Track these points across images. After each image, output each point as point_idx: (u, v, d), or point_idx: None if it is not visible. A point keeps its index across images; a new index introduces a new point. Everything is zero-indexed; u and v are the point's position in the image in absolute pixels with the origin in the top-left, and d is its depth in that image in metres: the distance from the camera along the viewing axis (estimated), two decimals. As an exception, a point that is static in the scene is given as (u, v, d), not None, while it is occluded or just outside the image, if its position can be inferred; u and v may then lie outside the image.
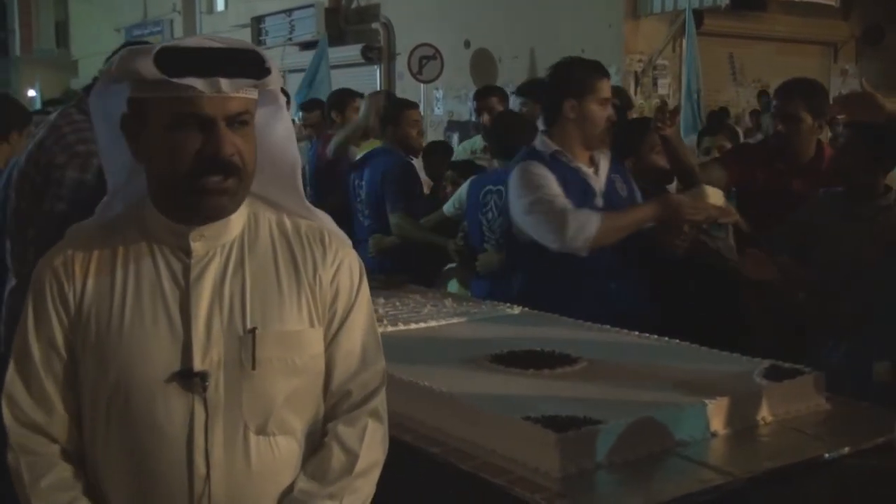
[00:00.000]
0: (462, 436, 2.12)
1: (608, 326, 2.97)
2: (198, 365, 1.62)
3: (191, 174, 1.59)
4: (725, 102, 11.74)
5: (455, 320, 3.11)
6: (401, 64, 14.09)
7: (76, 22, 25.34)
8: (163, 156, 1.60)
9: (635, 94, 10.93)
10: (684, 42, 10.74)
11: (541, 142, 3.50)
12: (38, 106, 12.72)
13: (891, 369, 2.91)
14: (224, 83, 1.56)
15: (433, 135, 11.27)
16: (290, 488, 1.69)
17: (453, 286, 4.57)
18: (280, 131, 1.76)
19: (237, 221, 1.70)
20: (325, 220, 1.82)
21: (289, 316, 1.68)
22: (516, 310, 3.28)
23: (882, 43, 13.11)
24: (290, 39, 16.64)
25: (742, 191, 4.08)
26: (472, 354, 2.64)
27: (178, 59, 1.56)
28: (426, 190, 5.63)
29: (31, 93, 21.79)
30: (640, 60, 11.55)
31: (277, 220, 1.76)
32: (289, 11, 16.68)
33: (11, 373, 1.66)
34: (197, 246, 1.66)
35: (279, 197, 1.77)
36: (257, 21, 17.56)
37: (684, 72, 10.45)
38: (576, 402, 2.19)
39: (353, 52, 15.07)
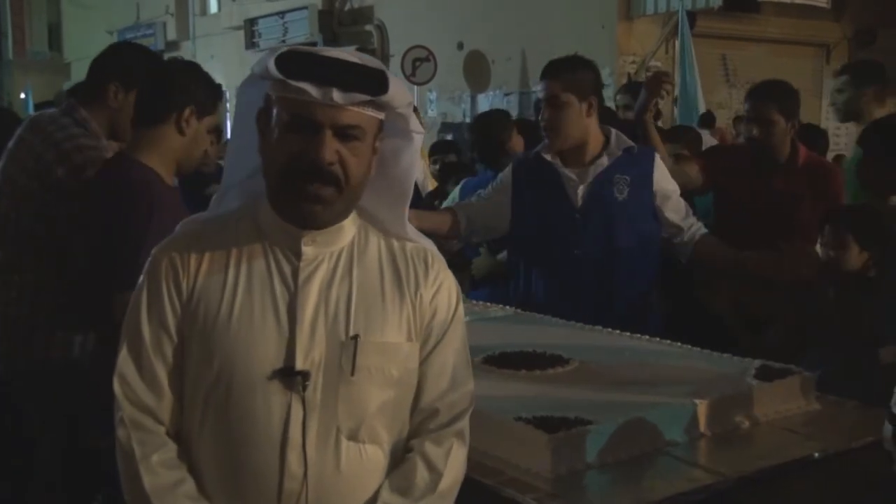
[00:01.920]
0: (454, 437, 2.12)
1: (599, 327, 2.98)
2: (300, 364, 1.67)
3: (289, 175, 1.65)
4: (718, 104, 11.77)
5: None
6: (394, 66, 14.06)
7: (69, 25, 25.27)
8: (273, 153, 1.67)
9: (628, 95, 10.92)
10: (677, 43, 10.76)
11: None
12: (30, 109, 12.68)
13: None
14: (337, 94, 1.61)
15: (427, 136, 11.27)
16: (373, 498, 1.72)
17: None
18: (404, 163, 1.81)
19: (348, 231, 1.76)
20: (429, 244, 1.87)
21: (390, 328, 1.73)
22: (508, 311, 3.28)
23: (874, 45, 13.14)
24: (283, 42, 16.63)
25: (723, 193, 4.08)
26: (464, 356, 2.64)
27: (299, 63, 1.62)
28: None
29: (23, 95, 21.76)
30: (633, 62, 11.56)
31: (385, 239, 1.81)
32: (282, 14, 16.67)
33: (124, 354, 1.73)
34: (308, 250, 1.72)
35: (388, 220, 1.83)
36: (250, 23, 17.53)
37: (678, 72, 10.46)
38: (567, 403, 2.20)
39: (346, 54, 15.05)
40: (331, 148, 1.63)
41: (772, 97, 3.87)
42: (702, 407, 2.19)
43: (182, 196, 2.75)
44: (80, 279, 2.81)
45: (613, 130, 3.49)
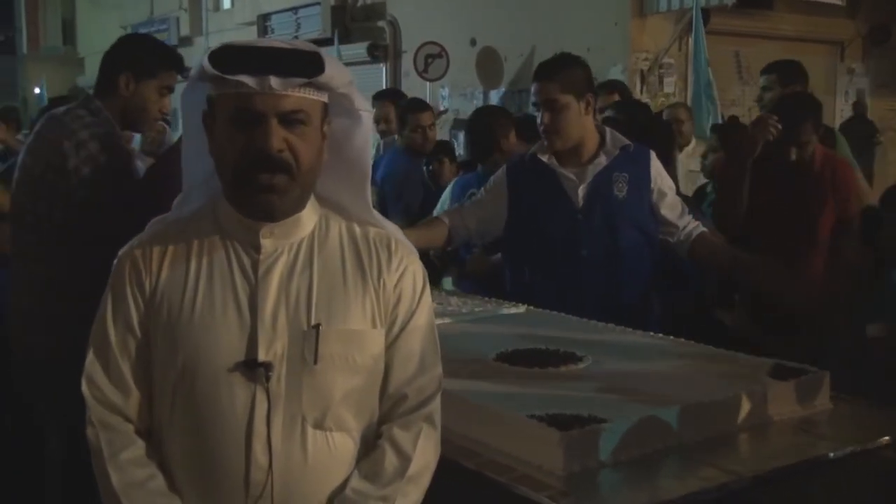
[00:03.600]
0: (466, 433, 2.12)
1: (612, 325, 2.97)
2: (262, 356, 1.68)
3: (240, 168, 1.66)
4: (731, 101, 11.71)
5: (460, 319, 3.11)
6: (407, 62, 14.07)
7: (83, 20, 25.36)
8: (222, 149, 1.68)
9: (641, 92, 10.90)
10: (690, 40, 10.71)
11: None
12: (44, 103, 12.73)
13: (884, 328, 2.93)
14: (274, 81, 1.62)
15: (439, 133, 11.25)
16: (343, 485, 1.73)
17: (447, 284, 4.57)
18: (357, 144, 1.81)
19: (308, 221, 1.77)
20: (393, 229, 1.86)
21: (352, 315, 1.74)
22: (521, 308, 3.28)
23: (889, 42, 13.07)
24: (296, 37, 16.61)
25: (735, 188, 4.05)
26: (476, 353, 2.64)
27: (233, 57, 1.63)
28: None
29: (37, 90, 21.84)
30: (645, 59, 11.52)
31: (347, 226, 1.81)
32: (295, 9, 16.67)
33: (91, 356, 1.75)
34: (266, 243, 1.73)
35: (350, 204, 1.83)
36: (263, 18, 17.54)
37: (691, 69, 10.40)
38: (580, 401, 2.20)
39: (359, 50, 15.05)
40: (277, 136, 1.64)
41: (810, 117, 3.85)
42: (716, 406, 2.18)
43: None
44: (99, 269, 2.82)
45: (608, 129, 3.48)
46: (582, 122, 3.38)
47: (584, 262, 3.32)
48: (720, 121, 8.18)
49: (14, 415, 3.85)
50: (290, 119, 1.65)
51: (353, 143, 1.81)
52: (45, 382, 3.02)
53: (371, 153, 1.85)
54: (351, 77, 1.75)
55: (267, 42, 1.67)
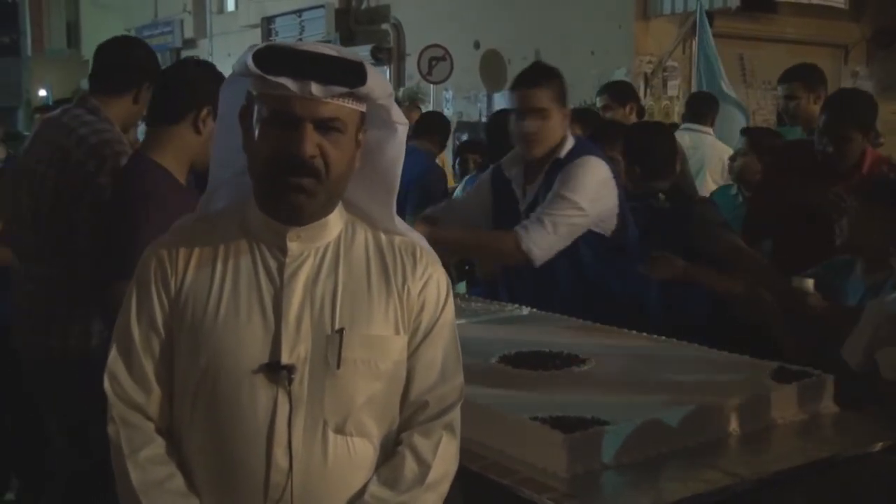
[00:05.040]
0: (470, 436, 2.11)
1: (615, 328, 2.97)
2: (285, 359, 1.68)
3: (271, 170, 1.66)
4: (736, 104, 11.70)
5: (464, 321, 3.11)
6: (411, 65, 14.09)
7: (87, 22, 25.44)
8: (255, 149, 1.68)
9: (645, 95, 10.90)
10: (694, 43, 10.71)
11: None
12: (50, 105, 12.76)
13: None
14: (315, 87, 1.62)
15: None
16: (362, 491, 1.73)
17: (461, 287, 4.58)
18: (390, 155, 1.81)
19: (334, 226, 1.77)
20: (417, 238, 1.87)
21: (376, 321, 1.74)
22: (525, 310, 3.28)
23: (893, 45, 13.07)
24: (300, 40, 16.64)
25: (779, 192, 4.01)
26: (480, 355, 2.64)
27: (277, 58, 1.63)
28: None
29: (42, 92, 21.92)
30: (649, 62, 11.53)
31: (373, 233, 1.82)
32: (299, 12, 16.71)
33: (114, 353, 1.75)
34: (293, 246, 1.73)
35: (376, 213, 1.83)
36: (267, 21, 17.59)
37: (694, 73, 10.40)
38: (583, 403, 2.20)
39: (363, 52, 15.08)
40: (311, 141, 1.63)
41: (851, 113, 3.74)
42: (719, 408, 2.19)
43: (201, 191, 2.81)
44: (92, 269, 2.83)
45: (571, 138, 3.42)
46: (561, 131, 3.37)
47: (542, 278, 3.31)
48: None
49: (14, 415, 3.87)
50: (326, 126, 1.65)
51: (386, 154, 1.81)
52: (45, 382, 3.03)
53: (401, 164, 1.85)
54: (391, 90, 1.75)
55: (313, 46, 1.67)
